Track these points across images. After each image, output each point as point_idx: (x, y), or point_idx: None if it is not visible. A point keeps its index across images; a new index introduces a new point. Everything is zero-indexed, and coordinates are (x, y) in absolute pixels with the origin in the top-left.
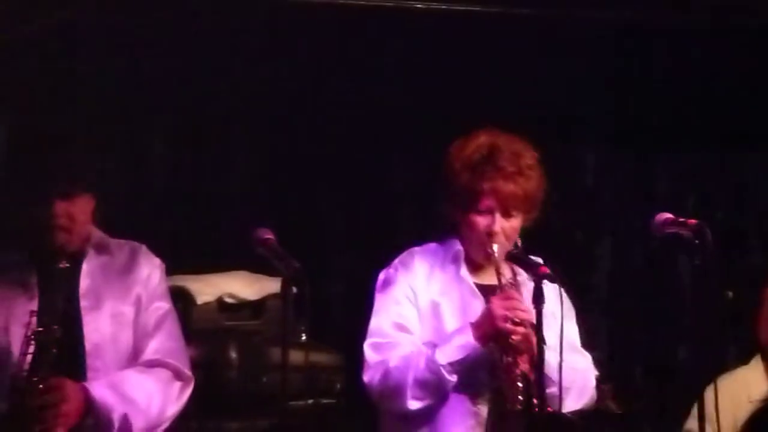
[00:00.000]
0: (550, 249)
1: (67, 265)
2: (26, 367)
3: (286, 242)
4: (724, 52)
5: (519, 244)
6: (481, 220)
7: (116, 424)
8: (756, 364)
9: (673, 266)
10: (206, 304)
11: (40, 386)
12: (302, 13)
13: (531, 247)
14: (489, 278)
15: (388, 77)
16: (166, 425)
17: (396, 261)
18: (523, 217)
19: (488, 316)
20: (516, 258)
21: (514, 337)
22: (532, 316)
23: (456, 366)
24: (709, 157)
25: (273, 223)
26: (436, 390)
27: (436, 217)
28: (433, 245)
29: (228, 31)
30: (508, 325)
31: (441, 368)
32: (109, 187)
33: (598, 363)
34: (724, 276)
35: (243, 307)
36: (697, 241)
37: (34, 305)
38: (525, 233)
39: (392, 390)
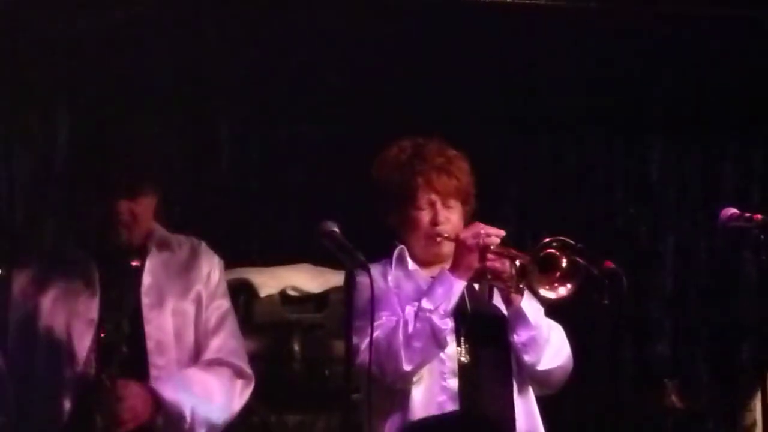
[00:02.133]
0: (614, 245)
1: (137, 263)
2: (94, 364)
3: (352, 235)
4: None
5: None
6: (424, 215)
7: (187, 421)
8: None
9: (739, 262)
10: (269, 296)
11: (108, 383)
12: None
13: (596, 245)
14: (437, 272)
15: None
16: (227, 423)
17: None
18: (461, 209)
19: (460, 247)
20: (579, 251)
21: (489, 257)
22: (500, 232)
23: (446, 310)
24: None
25: (338, 215)
26: (430, 341)
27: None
28: (378, 264)
29: (301, 21)
30: (481, 241)
31: (431, 315)
32: (173, 184)
33: (663, 359)
34: None
35: (306, 300)
36: (762, 237)
37: (97, 303)
38: (590, 229)
39: (384, 356)
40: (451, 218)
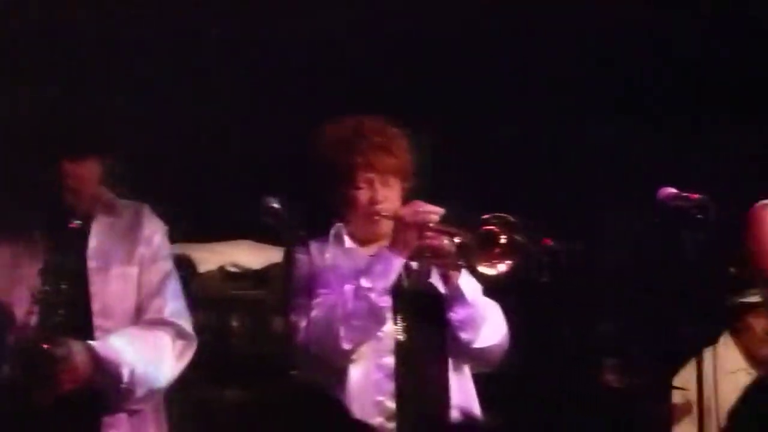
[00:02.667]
0: (555, 221)
1: (78, 224)
2: (32, 327)
3: (292, 212)
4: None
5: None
6: (362, 194)
7: (125, 379)
8: (725, 340)
9: (678, 241)
10: (209, 272)
11: (46, 346)
12: None
13: (537, 223)
14: (374, 250)
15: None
16: (168, 383)
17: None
18: (400, 187)
19: (398, 224)
20: (518, 228)
21: (428, 234)
22: (439, 210)
23: (385, 288)
24: (717, 131)
25: (280, 191)
26: (369, 319)
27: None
28: (315, 241)
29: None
30: (420, 219)
31: (370, 293)
32: (116, 151)
33: (603, 338)
34: (727, 251)
35: (246, 276)
36: (700, 216)
37: (39, 266)
38: (531, 206)
39: (323, 334)
40: (390, 197)
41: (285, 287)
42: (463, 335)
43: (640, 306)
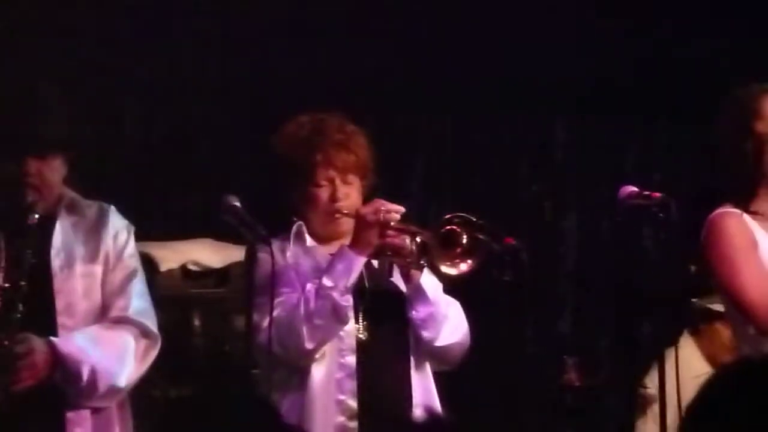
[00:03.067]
0: (517, 221)
1: (36, 218)
2: None
3: (253, 210)
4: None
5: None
6: (322, 191)
7: (84, 378)
8: (686, 341)
9: (639, 239)
10: (170, 271)
11: (6, 342)
12: None
13: (499, 221)
14: (336, 248)
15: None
16: (131, 383)
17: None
18: (360, 184)
19: (360, 222)
20: (480, 227)
21: (389, 233)
22: (400, 209)
23: (347, 287)
24: (678, 130)
25: (240, 190)
26: (331, 318)
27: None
28: (276, 240)
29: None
30: (381, 217)
31: (332, 292)
32: (80, 151)
33: (562, 336)
34: (688, 249)
35: (207, 274)
36: (661, 215)
37: (1, 263)
38: (493, 206)
39: (286, 334)
40: (351, 194)
41: (247, 286)
42: (425, 333)
43: (601, 304)
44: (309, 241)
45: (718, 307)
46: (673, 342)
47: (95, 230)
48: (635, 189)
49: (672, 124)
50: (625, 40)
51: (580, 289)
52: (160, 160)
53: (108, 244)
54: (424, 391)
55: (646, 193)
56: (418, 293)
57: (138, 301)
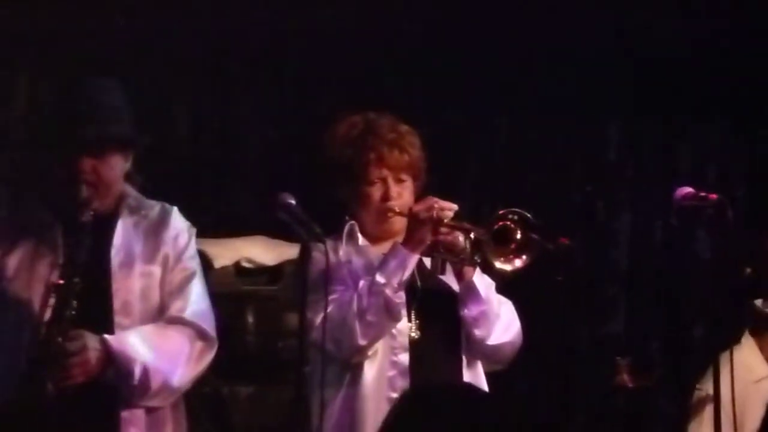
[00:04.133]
0: (570, 221)
1: (91, 215)
2: (47, 319)
3: (309, 208)
4: (746, 22)
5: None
6: (375, 190)
7: (137, 376)
8: (747, 343)
9: (693, 241)
10: (224, 268)
11: (59, 338)
12: None
13: (552, 222)
14: (388, 247)
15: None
16: (185, 384)
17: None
18: (413, 183)
19: (413, 220)
20: (534, 225)
21: (442, 230)
22: (453, 206)
23: (400, 284)
24: (733, 131)
25: (295, 188)
26: (384, 315)
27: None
28: (329, 239)
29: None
30: (435, 214)
31: (385, 288)
32: (137, 148)
33: (615, 337)
34: (743, 252)
35: (260, 272)
36: (717, 216)
37: (59, 261)
38: (546, 205)
39: (338, 331)
40: (403, 193)
41: (300, 283)
42: (477, 332)
43: (654, 306)
44: (361, 240)
45: None
46: (729, 344)
47: (156, 231)
48: (691, 190)
49: (727, 124)
50: (680, 39)
51: (632, 290)
52: (213, 157)
53: (168, 245)
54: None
55: (702, 194)
56: (471, 291)
57: (196, 303)
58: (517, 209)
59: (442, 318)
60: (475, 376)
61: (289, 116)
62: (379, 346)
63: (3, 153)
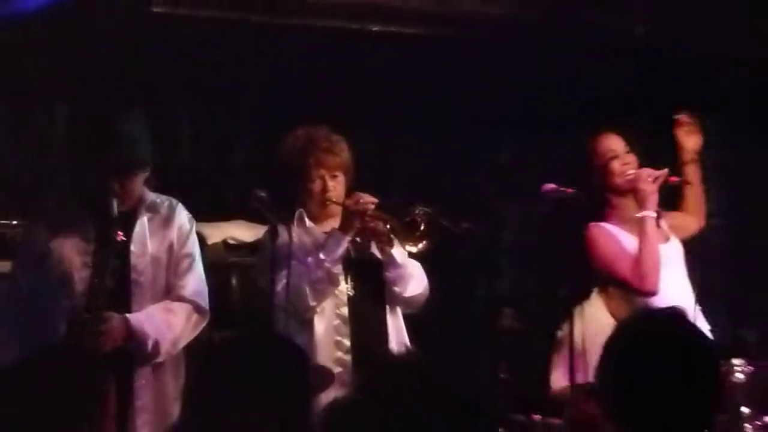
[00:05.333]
0: (474, 211)
1: (117, 216)
2: (83, 293)
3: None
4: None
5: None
6: (316, 186)
7: (149, 348)
8: (596, 299)
9: (559, 225)
10: (214, 244)
11: (92, 316)
12: None
13: (462, 209)
14: (328, 227)
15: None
16: (182, 346)
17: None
18: (344, 178)
19: (345, 211)
20: (434, 217)
21: (367, 219)
22: (373, 200)
23: (337, 258)
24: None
25: (267, 185)
26: (327, 283)
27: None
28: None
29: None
30: (360, 207)
31: (326, 263)
32: (152, 166)
33: (503, 295)
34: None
35: (242, 247)
36: (572, 205)
37: (92, 250)
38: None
39: (295, 296)
40: (337, 186)
41: (269, 257)
42: (396, 288)
43: (532, 272)
44: (308, 222)
45: None
46: (581, 300)
47: (165, 224)
48: (554, 186)
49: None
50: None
51: (516, 260)
52: (207, 163)
53: (173, 234)
54: (396, 330)
55: (562, 188)
56: (390, 260)
57: (194, 284)
58: (424, 207)
59: (370, 279)
60: (396, 319)
61: (270, 130)
62: (326, 303)
63: (47, 164)
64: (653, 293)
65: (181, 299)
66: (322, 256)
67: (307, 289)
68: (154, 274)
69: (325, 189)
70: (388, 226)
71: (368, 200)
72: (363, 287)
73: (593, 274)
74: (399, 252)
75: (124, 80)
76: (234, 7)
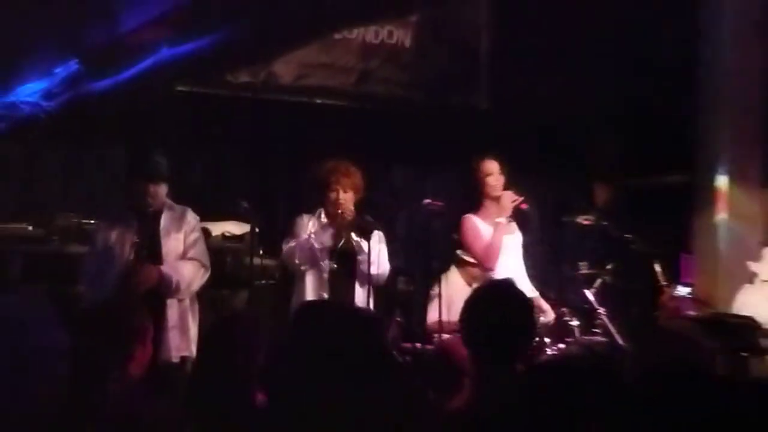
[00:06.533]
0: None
1: (150, 212)
2: (131, 258)
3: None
4: None
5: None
6: (333, 196)
7: (173, 285)
8: (454, 271)
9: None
10: (216, 236)
11: (136, 267)
12: None
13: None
14: (335, 224)
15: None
16: (197, 288)
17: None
18: (353, 195)
19: (339, 216)
20: (367, 223)
21: (346, 221)
22: (352, 211)
23: (324, 244)
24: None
25: (249, 196)
26: (314, 259)
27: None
28: (311, 215)
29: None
30: (344, 216)
31: (314, 249)
32: (175, 180)
33: (401, 267)
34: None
35: (233, 238)
36: (443, 214)
37: (134, 234)
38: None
39: (290, 258)
40: (347, 199)
41: (290, 230)
42: (362, 267)
43: (415, 253)
44: (323, 218)
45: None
46: (446, 271)
47: (180, 219)
48: (429, 200)
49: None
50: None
51: (406, 246)
52: (212, 184)
53: (186, 227)
54: (361, 296)
55: (437, 202)
56: (360, 248)
57: (199, 252)
58: (367, 217)
59: (346, 260)
60: (364, 291)
61: (247, 168)
62: (316, 271)
63: (108, 185)
64: (492, 269)
65: (191, 259)
66: (312, 240)
67: (298, 254)
68: (175, 246)
69: (337, 200)
70: (358, 229)
71: (347, 211)
72: (341, 265)
73: (454, 255)
74: (365, 242)
75: (156, 132)
76: (226, 87)
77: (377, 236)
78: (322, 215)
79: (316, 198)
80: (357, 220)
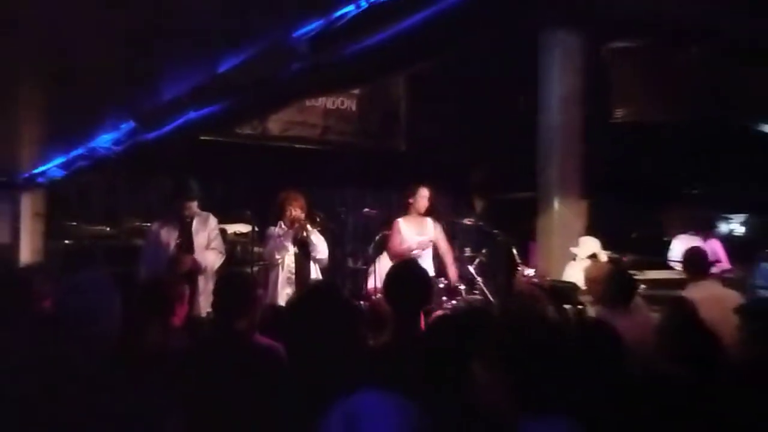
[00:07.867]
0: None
1: (188, 219)
2: (175, 250)
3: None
4: None
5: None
6: (289, 212)
7: (202, 267)
8: (385, 254)
9: (372, 228)
10: (230, 233)
11: (179, 256)
12: None
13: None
14: (291, 229)
15: None
16: (215, 268)
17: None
18: (303, 210)
19: (294, 221)
20: (319, 218)
21: (300, 222)
22: (302, 216)
23: (287, 240)
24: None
25: (251, 208)
26: (281, 249)
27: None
28: (272, 227)
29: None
30: (296, 218)
31: (284, 241)
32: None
33: (350, 252)
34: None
35: (242, 234)
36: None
37: (177, 234)
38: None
39: (269, 253)
40: (299, 212)
41: (261, 239)
42: (313, 253)
43: (361, 242)
44: (283, 226)
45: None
46: (380, 255)
47: (205, 222)
48: (368, 209)
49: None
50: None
51: (353, 237)
52: (228, 199)
53: (210, 227)
54: (315, 272)
55: (372, 210)
56: (311, 241)
57: (218, 243)
58: (316, 213)
59: (304, 249)
60: (316, 271)
61: (251, 188)
62: (286, 258)
63: (157, 202)
64: (407, 254)
65: (212, 249)
66: (282, 238)
67: (275, 250)
68: (202, 241)
69: (293, 214)
70: (308, 226)
71: (299, 215)
72: (300, 252)
73: (384, 245)
74: (316, 237)
75: (189, 167)
76: (235, 136)
77: (317, 235)
78: (282, 225)
79: (277, 215)
80: (309, 218)
